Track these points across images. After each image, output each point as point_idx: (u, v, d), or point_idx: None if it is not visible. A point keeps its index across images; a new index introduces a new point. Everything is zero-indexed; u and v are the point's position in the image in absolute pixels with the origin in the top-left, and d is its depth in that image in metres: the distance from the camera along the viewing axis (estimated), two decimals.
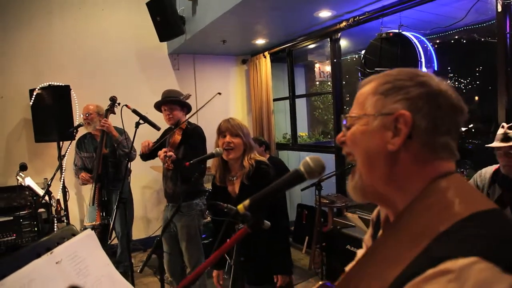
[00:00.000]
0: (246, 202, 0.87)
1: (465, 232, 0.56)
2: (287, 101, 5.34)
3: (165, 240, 3.01)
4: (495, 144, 2.21)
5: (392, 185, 0.71)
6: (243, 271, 1.88)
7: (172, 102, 2.99)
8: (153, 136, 3.14)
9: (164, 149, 2.80)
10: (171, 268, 3.05)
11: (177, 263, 3.03)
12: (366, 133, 0.73)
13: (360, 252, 0.98)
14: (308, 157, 0.84)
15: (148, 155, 3.00)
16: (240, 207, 0.87)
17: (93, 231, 1.60)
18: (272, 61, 5.22)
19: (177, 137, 2.90)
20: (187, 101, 3.13)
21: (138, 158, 3.79)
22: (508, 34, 2.80)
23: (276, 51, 5.13)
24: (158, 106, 3.06)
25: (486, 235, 0.55)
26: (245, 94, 5.87)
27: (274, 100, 5.36)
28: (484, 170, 2.42)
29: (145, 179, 4.96)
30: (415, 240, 0.60)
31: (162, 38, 4.45)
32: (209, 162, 2.26)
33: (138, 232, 4.79)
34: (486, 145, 2.33)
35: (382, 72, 0.76)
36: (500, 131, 2.23)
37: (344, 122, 0.79)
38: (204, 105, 2.83)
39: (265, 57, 5.18)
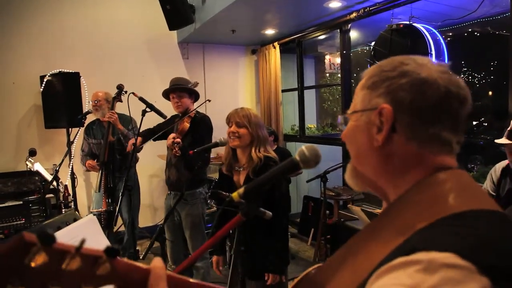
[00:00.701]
0: (241, 190, 0.87)
1: (449, 228, 0.53)
2: (296, 93, 5.31)
3: (168, 228, 3.04)
4: (502, 140, 2.18)
5: (383, 178, 0.70)
6: (243, 262, 1.89)
7: (180, 89, 3.00)
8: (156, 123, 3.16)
9: (172, 134, 2.81)
10: (173, 256, 3.08)
11: (180, 251, 3.06)
12: (355, 129, 0.72)
13: None
14: (304, 146, 0.84)
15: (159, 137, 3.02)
16: (235, 195, 0.87)
17: (95, 217, 1.62)
18: (281, 51, 5.18)
19: (186, 124, 2.91)
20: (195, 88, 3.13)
21: (145, 147, 3.85)
22: None
23: (285, 42, 5.09)
24: (166, 93, 3.06)
25: (472, 234, 0.52)
26: (254, 84, 5.86)
27: (283, 91, 5.33)
28: (498, 165, 2.42)
29: (152, 167, 5.00)
30: (398, 232, 0.58)
31: (171, 27, 4.43)
32: (214, 153, 2.27)
33: (144, 220, 4.85)
34: (495, 141, 2.31)
35: (376, 64, 0.73)
36: (509, 127, 2.20)
37: (339, 121, 0.79)
38: (195, 109, 2.83)
39: (274, 47, 5.15)
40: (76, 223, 1.52)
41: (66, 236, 1.41)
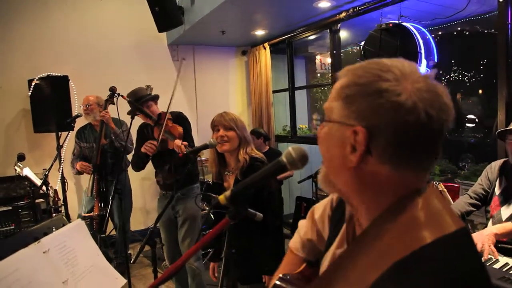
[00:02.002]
0: (228, 192, 0.86)
1: (421, 266, 0.54)
2: (287, 93, 5.31)
3: (163, 228, 3.03)
4: (510, 126, 2.18)
5: (355, 196, 0.68)
6: (235, 266, 1.88)
7: (145, 101, 2.94)
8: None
9: (179, 141, 2.74)
10: (170, 256, 3.06)
11: (177, 251, 3.05)
12: (329, 138, 0.69)
13: (302, 228, 1.00)
14: (291, 148, 0.83)
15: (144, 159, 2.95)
16: (221, 197, 0.86)
17: (83, 222, 1.61)
18: (272, 52, 5.19)
19: (180, 128, 2.84)
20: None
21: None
22: (509, 25, 2.76)
23: (276, 42, 5.09)
24: (133, 112, 2.94)
25: (444, 269, 0.53)
26: (245, 85, 5.85)
27: (274, 92, 5.33)
28: (494, 163, 2.42)
29: (144, 170, 4.94)
30: (374, 263, 0.58)
31: (160, 29, 4.40)
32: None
33: (137, 223, 4.81)
34: (500, 129, 2.31)
35: (352, 66, 0.68)
36: None
37: (319, 120, 0.77)
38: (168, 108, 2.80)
39: (264, 48, 5.15)
40: (63, 228, 1.50)
41: (54, 242, 1.39)
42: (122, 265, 3.47)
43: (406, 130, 0.59)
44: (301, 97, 5.83)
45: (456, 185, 2.99)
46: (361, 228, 0.70)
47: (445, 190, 2.88)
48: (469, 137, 6.71)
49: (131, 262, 2.13)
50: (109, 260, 3.91)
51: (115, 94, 3.25)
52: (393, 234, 0.59)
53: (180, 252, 3.03)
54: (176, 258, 3.07)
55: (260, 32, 4.83)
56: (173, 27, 4.36)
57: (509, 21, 2.75)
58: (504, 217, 2.16)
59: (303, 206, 4.71)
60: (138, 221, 4.88)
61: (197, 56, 5.49)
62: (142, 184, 5.08)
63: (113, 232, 4.08)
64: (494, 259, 1.89)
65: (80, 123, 3.89)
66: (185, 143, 2.72)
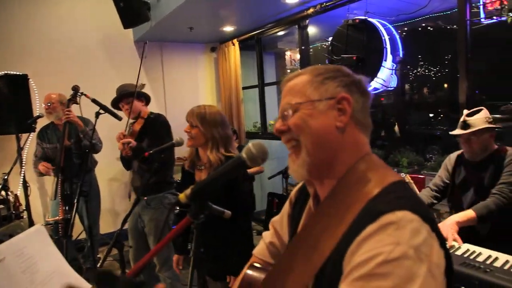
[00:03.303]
0: (188, 191, 0.83)
1: (391, 195, 0.71)
2: (257, 89, 5.30)
3: (132, 234, 2.94)
4: (456, 132, 2.26)
5: (336, 158, 0.80)
6: (204, 264, 1.85)
7: (126, 95, 2.88)
8: (116, 127, 3.03)
9: (123, 139, 2.71)
10: (136, 261, 2.98)
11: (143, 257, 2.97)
12: (314, 115, 0.80)
13: (266, 235, 1.08)
14: (251, 143, 0.82)
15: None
16: (182, 196, 0.84)
17: (43, 227, 1.53)
18: (241, 48, 5.16)
19: (137, 126, 2.82)
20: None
21: (103, 149, 3.70)
22: (468, 22, 2.85)
23: (245, 39, 5.06)
24: (115, 103, 2.94)
25: (405, 196, 0.71)
26: (214, 82, 5.80)
27: (244, 88, 5.31)
28: (452, 154, 2.50)
29: (112, 171, 4.82)
30: (349, 208, 0.72)
31: (126, 25, 4.28)
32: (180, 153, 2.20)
33: (106, 226, 4.67)
34: (450, 132, 2.39)
35: (309, 67, 0.87)
36: (461, 119, 2.28)
37: (289, 112, 0.83)
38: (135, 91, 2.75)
39: (233, 44, 5.11)
40: (22, 234, 1.43)
41: (10, 249, 1.32)
42: (92, 270, 3.37)
43: (365, 98, 0.84)
44: (271, 93, 5.84)
45: (421, 176, 3.07)
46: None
47: (412, 181, 2.96)
48: (435, 129, 6.93)
49: (98, 266, 2.05)
50: (79, 265, 3.81)
51: (78, 93, 3.13)
52: (364, 181, 0.75)
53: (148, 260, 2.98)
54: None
55: (228, 28, 4.79)
56: (139, 23, 4.25)
57: (468, 18, 2.84)
58: (465, 206, 2.23)
59: (275, 202, 4.72)
60: (108, 223, 4.75)
61: (165, 53, 5.39)
62: (111, 185, 4.94)
63: (82, 236, 3.95)
64: (457, 246, 1.95)
65: (40, 123, 3.72)
66: (128, 139, 2.65)
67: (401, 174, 3.05)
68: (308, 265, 0.72)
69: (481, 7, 2.77)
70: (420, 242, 0.63)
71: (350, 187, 0.76)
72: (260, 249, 1.09)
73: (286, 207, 1.04)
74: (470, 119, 2.22)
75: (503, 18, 2.68)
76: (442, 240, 0.69)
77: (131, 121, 2.95)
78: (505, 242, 2.14)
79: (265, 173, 4.51)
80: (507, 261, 1.71)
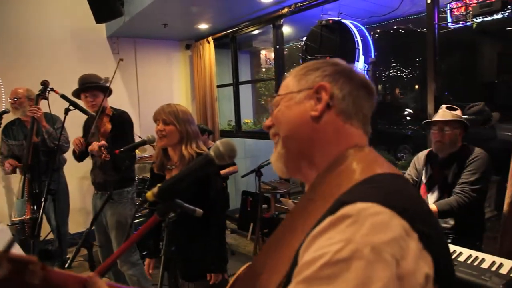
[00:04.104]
0: (155, 189, 0.83)
1: (366, 185, 0.62)
2: (232, 88, 5.29)
3: (98, 231, 2.91)
4: (435, 118, 2.35)
5: (313, 150, 0.76)
6: (176, 264, 1.83)
7: (92, 88, 2.82)
8: (79, 124, 2.96)
9: (96, 143, 2.65)
10: (104, 259, 2.94)
11: (110, 254, 2.93)
12: (291, 106, 0.78)
13: None
14: (218, 141, 0.82)
15: (83, 153, 2.82)
16: (149, 194, 0.83)
17: (6, 226, 1.48)
18: (216, 46, 5.13)
19: (108, 125, 2.76)
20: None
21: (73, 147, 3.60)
22: (436, 25, 2.95)
23: (220, 37, 5.04)
24: (77, 94, 2.87)
25: (381, 188, 0.61)
26: (189, 80, 5.74)
27: (218, 86, 5.29)
28: (420, 153, 2.59)
29: (82, 169, 4.64)
30: (325, 202, 0.63)
31: (98, 20, 4.17)
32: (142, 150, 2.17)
33: (76, 226, 4.55)
34: (424, 121, 2.49)
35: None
36: (440, 109, 2.38)
37: (272, 105, 0.83)
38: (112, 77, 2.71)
39: (208, 42, 5.08)
40: None
41: None
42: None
43: (355, 87, 0.78)
44: (246, 92, 5.85)
45: None
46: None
47: None
48: (406, 129, 7.12)
49: (66, 267, 2.00)
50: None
51: (48, 89, 3.04)
52: (341, 176, 0.68)
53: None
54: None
55: (203, 26, 4.75)
56: (112, 18, 4.15)
57: (436, 22, 2.94)
58: (430, 203, 2.32)
59: (249, 200, 4.73)
60: (78, 223, 4.63)
61: (139, 49, 5.30)
62: (81, 184, 4.82)
63: (50, 236, 3.83)
64: None
65: (6, 119, 3.57)
66: (104, 143, 2.62)
67: None
68: (280, 264, 0.67)
69: (448, 12, 2.87)
70: (384, 240, 0.52)
71: (331, 180, 0.69)
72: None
73: None
74: (449, 112, 2.32)
75: (469, 23, 2.79)
76: (433, 242, 0.58)
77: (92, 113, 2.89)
78: (468, 238, 2.25)
79: (240, 172, 4.52)
80: (470, 256, 1.78)
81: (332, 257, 0.52)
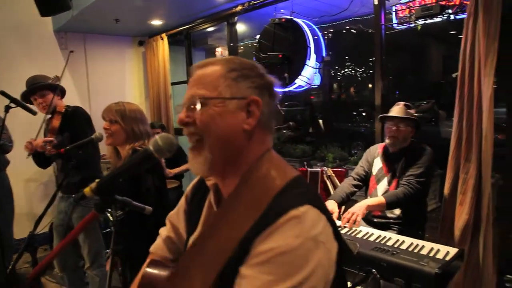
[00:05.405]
0: (93, 184, 0.81)
1: (294, 191, 0.76)
2: (186, 85, 5.21)
3: (57, 234, 2.82)
4: (391, 113, 2.47)
5: (240, 157, 0.82)
6: (126, 263, 1.79)
7: (39, 88, 2.69)
8: (31, 123, 2.80)
9: (41, 138, 2.54)
10: (61, 261, 2.84)
11: (69, 257, 2.84)
12: (224, 113, 0.80)
13: (162, 231, 1.07)
14: (158, 136, 0.82)
15: (47, 158, 2.69)
16: (87, 190, 0.82)
17: None
18: (170, 43, 5.05)
19: (56, 122, 2.65)
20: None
21: (17, 147, 3.39)
22: (383, 26, 3.08)
23: (174, 33, 4.97)
24: (26, 98, 2.73)
25: (305, 192, 0.77)
26: (143, 77, 5.61)
27: (172, 84, 5.21)
28: (372, 147, 2.73)
29: (28, 171, 4.44)
30: (255, 203, 0.75)
31: (43, 13, 3.94)
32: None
33: (23, 230, 4.28)
34: (381, 115, 2.62)
35: (223, 57, 0.87)
36: (396, 106, 2.50)
37: (197, 105, 0.80)
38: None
39: (162, 39, 4.99)
40: None
41: None
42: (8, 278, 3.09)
43: (274, 102, 0.86)
44: None
45: (342, 169, 3.27)
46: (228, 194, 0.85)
47: (333, 174, 3.14)
48: (360, 126, 7.37)
49: (8, 273, 1.89)
50: None
51: None
52: (262, 183, 0.78)
53: (73, 259, 2.84)
54: (68, 264, 2.86)
55: (157, 22, 4.66)
56: (59, 11, 3.94)
57: (383, 22, 3.07)
58: (379, 194, 2.43)
59: None
60: (24, 228, 4.34)
61: (89, 45, 5.10)
62: (27, 187, 4.57)
63: None
64: (354, 229, 2.14)
65: None
66: (49, 138, 2.52)
67: (324, 168, 3.21)
68: (213, 264, 0.74)
69: (394, 13, 3.02)
70: (318, 232, 0.72)
71: (254, 184, 0.79)
72: (157, 245, 1.08)
73: (182, 203, 1.04)
74: (406, 110, 2.44)
75: (413, 25, 2.94)
76: (335, 229, 0.78)
77: (47, 116, 2.77)
78: (411, 227, 2.38)
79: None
80: (411, 244, 1.89)
81: (286, 248, 0.68)
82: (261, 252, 0.70)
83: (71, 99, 4.35)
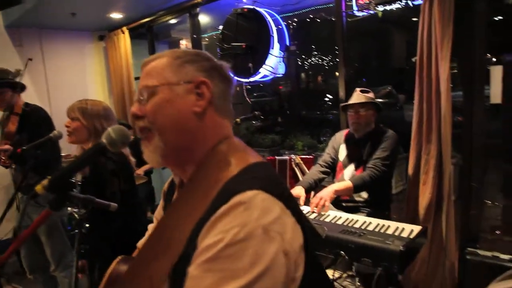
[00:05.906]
0: (45, 181, 0.78)
1: (246, 175, 0.71)
2: None
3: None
4: (350, 101, 2.51)
5: (193, 144, 0.79)
6: (94, 264, 1.75)
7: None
8: None
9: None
10: (30, 264, 2.77)
11: (38, 259, 2.77)
12: (172, 99, 0.78)
13: (150, 227, 1.02)
14: (110, 128, 0.79)
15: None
16: (39, 187, 0.78)
17: None
18: (132, 37, 4.91)
19: (12, 126, 2.52)
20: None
21: None
22: (344, 13, 3.11)
23: (135, 27, 4.83)
24: None
25: (259, 177, 0.71)
26: (105, 73, 5.44)
27: (136, 78, 5.07)
28: (337, 133, 2.78)
29: None
30: (208, 191, 0.70)
31: None
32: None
33: None
34: (342, 104, 2.67)
35: (168, 50, 0.85)
36: (354, 92, 2.55)
37: (144, 96, 0.80)
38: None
39: (123, 33, 4.84)
40: None
41: None
42: None
43: (226, 84, 0.84)
44: None
45: (310, 156, 3.31)
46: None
47: (302, 162, 3.17)
48: (328, 114, 7.47)
49: None
50: None
51: None
52: (221, 165, 0.74)
53: (42, 262, 2.75)
54: (38, 266, 2.79)
55: (117, 16, 4.51)
56: (8, 6, 3.77)
57: (344, 10, 3.10)
58: (346, 179, 2.48)
59: None
60: None
61: (46, 41, 4.87)
62: None
63: None
64: (323, 213, 2.18)
65: None
66: (6, 146, 2.46)
67: (292, 156, 3.24)
68: (168, 253, 0.70)
69: (354, 0, 3.05)
70: (270, 221, 0.63)
71: (210, 170, 0.75)
72: (144, 241, 1.07)
73: (165, 184, 1.05)
74: (363, 94, 2.48)
75: (373, 12, 2.99)
76: (299, 216, 0.71)
77: (4, 115, 2.63)
78: (378, 209, 2.45)
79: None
80: (378, 224, 1.94)
81: (231, 239, 0.61)
82: (207, 247, 0.62)
83: (29, 98, 4.17)
